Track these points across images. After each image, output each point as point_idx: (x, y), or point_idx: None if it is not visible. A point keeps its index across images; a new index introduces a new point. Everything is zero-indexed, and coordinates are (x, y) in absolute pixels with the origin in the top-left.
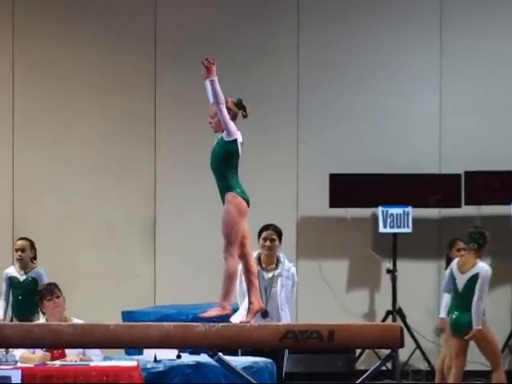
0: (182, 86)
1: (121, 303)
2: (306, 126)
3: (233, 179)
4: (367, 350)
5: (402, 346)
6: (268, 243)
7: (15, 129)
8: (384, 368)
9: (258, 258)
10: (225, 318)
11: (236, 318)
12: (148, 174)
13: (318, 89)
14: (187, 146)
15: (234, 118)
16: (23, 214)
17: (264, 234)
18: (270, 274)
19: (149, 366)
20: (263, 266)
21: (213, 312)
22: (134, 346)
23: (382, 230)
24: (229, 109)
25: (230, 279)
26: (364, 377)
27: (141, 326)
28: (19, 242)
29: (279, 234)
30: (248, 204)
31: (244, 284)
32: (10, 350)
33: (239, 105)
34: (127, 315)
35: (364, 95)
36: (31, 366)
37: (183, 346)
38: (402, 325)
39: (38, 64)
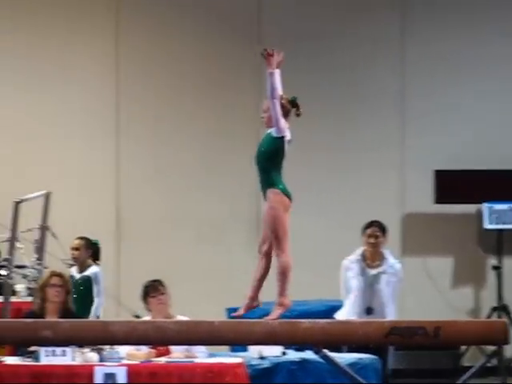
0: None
1: (225, 300)
2: (411, 123)
3: (276, 176)
4: (472, 347)
5: (507, 342)
6: (372, 240)
7: (120, 126)
8: (489, 365)
9: (363, 255)
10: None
11: (341, 315)
12: (253, 169)
13: (423, 86)
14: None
15: (286, 115)
16: (128, 210)
17: (368, 231)
18: (375, 271)
19: (254, 363)
20: (368, 262)
21: (275, 313)
22: (238, 343)
23: (487, 226)
24: (282, 106)
25: (284, 275)
26: (469, 373)
27: (245, 322)
28: (75, 241)
29: (384, 230)
30: (290, 200)
31: (349, 281)
32: (116, 346)
33: (293, 102)
34: (232, 312)
35: (469, 90)
36: (136, 362)
37: (288, 342)
38: (508, 321)
39: (142, 63)
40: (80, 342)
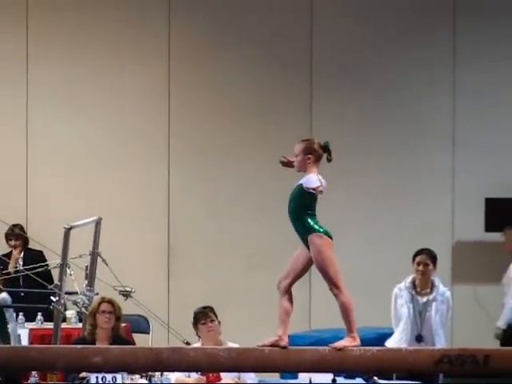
0: (339, 108)
1: (275, 327)
2: (462, 151)
3: (312, 220)
4: None
5: None
6: (421, 267)
7: (172, 152)
8: None
9: (413, 282)
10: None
11: (391, 342)
12: None
13: (473, 113)
14: (346, 171)
15: (317, 159)
16: (179, 235)
17: (418, 259)
18: (425, 299)
19: None
20: (418, 290)
21: (344, 343)
22: (289, 370)
23: None
24: (314, 150)
25: (349, 311)
26: None
27: (296, 349)
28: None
29: (433, 258)
30: (331, 239)
31: (399, 308)
32: (166, 373)
33: (325, 148)
34: None
35: None
36: None
37: (338, 369)
38: None
39: (192, 84)
40: (130, 368)
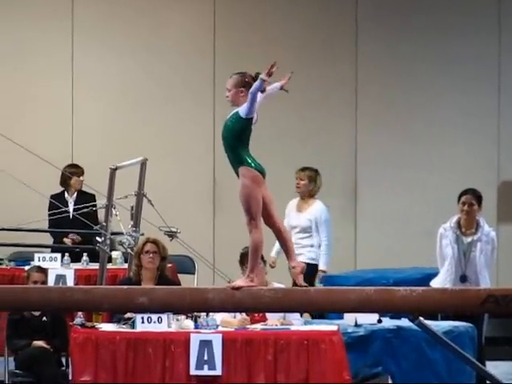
0: (384, 57)
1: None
2: (508, 92)
3: (244, 153)
4: None
5: None
6: (466, 207)
7: (216, 94)
8: None
9: (458, 222)
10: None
11: (436, 283)
12: (349, 140)
13: None
14: (388, 113)
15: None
16: (224, 177)
17: (463, 199)
18: (470, 239)
19: (349, 331)
20: (462, 230)
21: (240, 283)
22: (334, 311)
23: None
24: (246, 83)
25: (255, 252)
26: None
27: (341, 290)
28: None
29: (479, 198)
30: (263, 175)
31: (444, 248)
32: (211, 314)
33: (257, 78)
34: (328, 279)
35: None
36: (232, 330)
37: (384, 310)
38: None
39: (238, 24)
40: (175, 309)
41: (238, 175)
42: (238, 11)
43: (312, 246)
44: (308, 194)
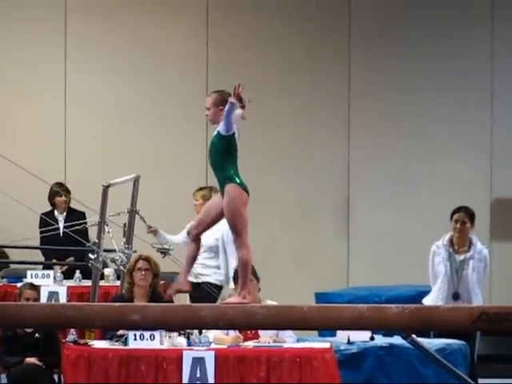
0: (376, 72)
1: (314, 284)
2: (500, 107)
3: (232, 170)
4: None
5: None
6: (459, 225)
7: None
8: None
9: (450, 240)
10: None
11: (428, 300)
12: (342, 156)
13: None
14: (381, 128)
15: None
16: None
17: (455, 217)
18: (462, 257)
19: (342, 348)
20: (455, 248)
21: (233, 300)
22: (327, 328)
23: None
24: (225, 101)
25: (245, 268)
26: None
27: (334, 307)
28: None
29: (471, 216)
30: (248, 194)
31: (437, 266)
32: (204, 331)
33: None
34: (320, 296)
35: None
36: (224, 347)
37: (376, 327)
38: None
39: (231, 44)
40: (168, 326)
41: (222, 194)
42: (230, 29)
43: (218, 267)
44: None
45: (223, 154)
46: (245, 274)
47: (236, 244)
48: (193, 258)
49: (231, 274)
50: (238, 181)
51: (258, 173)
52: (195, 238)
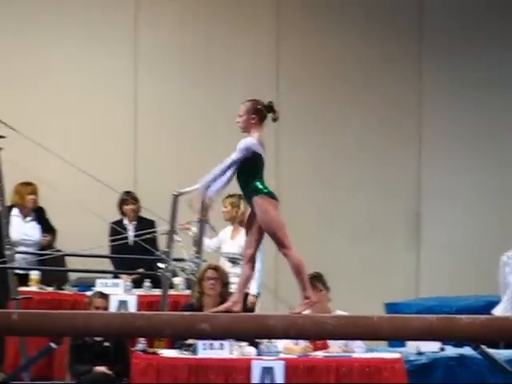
0: (447, 88)
1: (384, 295)
2: None
3: (258, 182)
4: None
5: None
6: None
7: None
8: None
9: None
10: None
11: (498, 311)
12: (412, 170)
13: None
14: (453, 141)
15: (261, 120)
16: (285, 206)
17: None
18: None
19: (412, 358)
20: None
21: (301, 307)
22: (396, 338)
23: None
24: (258, 110)
25: (299, 271)
26: None
27: (404, 317)
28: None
29: None
30: (277, 200)
31: (507, 276)
32: (273, 340)
33: (269, 108)
34: (390, 307)
35: None
36: (294, 357)
37: (446, 338)
38: None
39: (303, 59)
40: (237, 335)
41: (251, 206)
42: (301, 45)
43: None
44: (235, 221)
45: (250, 170)
46: (302, 278)
47: (282, 253)
48: (247, 280)
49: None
50: (264, 190)
51: (330, 186)
52: (249, 259)
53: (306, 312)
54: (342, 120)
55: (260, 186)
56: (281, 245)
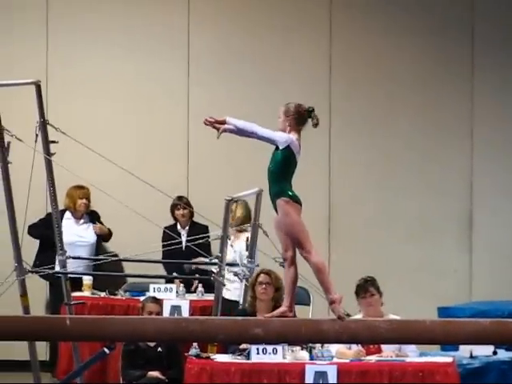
0: (499, 88)
1: (436, 298)
2: None
3: (285, 185)
4: None
5: None
6: None
7: (332, 125)
8: None
9: None
10: None
11: None
12: (465, 170)
13: None
14: (505, 140)
15: (298, 123)
16: (338, 208)
17: None
18: None
19: (464, 362)
20: None
21: (336, 313)
22: (449, 342)
23: None
24: (296, 113)
25: (322, 274)
26: None
27: (457, 321)
28: None
29: None
30: (300, 205)
31: None
32: (326, 345)
33: (309, 113)
34: (443, 311)
35: None
36: (347, 361)
37: (499, 342)
38: None
39: (355, 60)
40: (291, 340)
41: (275, 208)
42: (354, 47)
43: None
44: (232, 227)
45: (281, 166)
46: (325, 279)
47: (303, 256)
48: (294, 283)
49: None
50: (289, 193)
51: (381, 187)
52: (291, 263)
53: (357, 317)
54: (399, 122)
55: (286, 189)
56: (302, 248)
